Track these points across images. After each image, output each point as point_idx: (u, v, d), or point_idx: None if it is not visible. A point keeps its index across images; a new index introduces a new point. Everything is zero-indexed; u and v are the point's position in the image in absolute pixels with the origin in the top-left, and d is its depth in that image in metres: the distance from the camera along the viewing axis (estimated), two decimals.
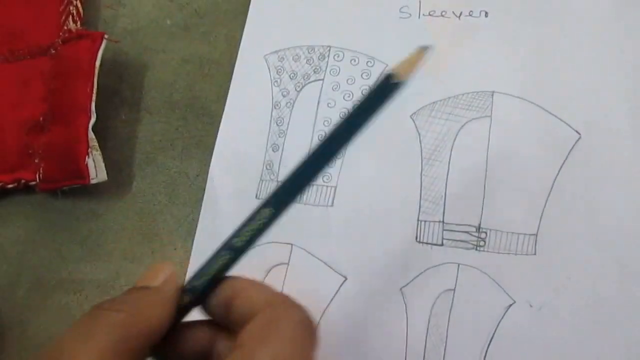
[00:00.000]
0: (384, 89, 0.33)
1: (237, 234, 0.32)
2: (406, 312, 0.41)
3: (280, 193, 0.32)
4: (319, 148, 0.32)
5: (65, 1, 0.53)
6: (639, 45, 0.44)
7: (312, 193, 0.45)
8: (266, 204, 0.32)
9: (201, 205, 0.47)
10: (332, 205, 0.45)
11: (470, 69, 0.46)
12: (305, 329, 0.28)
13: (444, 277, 0.41)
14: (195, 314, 0.31)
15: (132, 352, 0.27)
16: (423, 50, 0.34)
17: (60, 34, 0.52)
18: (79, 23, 0.52)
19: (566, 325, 0.38)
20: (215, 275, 0.31)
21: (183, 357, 0.30)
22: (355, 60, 0.48)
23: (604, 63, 0.44)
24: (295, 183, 0.32)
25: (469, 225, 0.42)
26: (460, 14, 0.47)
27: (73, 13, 0.52)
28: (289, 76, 0.49)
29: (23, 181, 0.49)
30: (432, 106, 0.45)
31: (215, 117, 0.49)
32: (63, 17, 0.52)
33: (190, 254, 0.46)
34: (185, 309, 0.30)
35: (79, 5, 0.53)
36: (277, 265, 0.44)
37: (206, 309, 0.31)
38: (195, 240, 0.46)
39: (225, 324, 0.30)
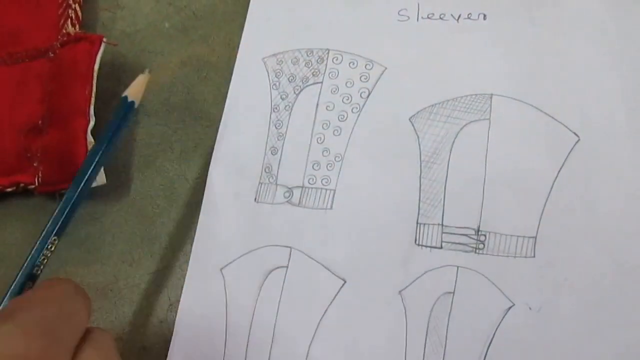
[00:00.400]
0: (122, 109, 0.43)
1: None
2: (405, 315, 0.41)
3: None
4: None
5: (64, 4, 0.53)
6: (636, 47, 0.44)
7: (311, 196, 0.45)
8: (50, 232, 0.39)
9: (200, 209, 0.47)
10: (331, 208, 0.45)
11: (468, 72, 0.46)
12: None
13: (443, 280, 0.41)
14: None
15: None
16: (146, 73, 0.44)
17: (59, 37, 0.51)
18: (77, 26, 0.52)
19: (565, 327, 0.38)
20: None
21: None
22: (354, 63, 0.48)
23: (602, 65, 0.44)
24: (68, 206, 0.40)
25: (468, 228, 0.42)
26: (459, 16, 0.47)
27: (71, 16, 0.52)
28: (288, 79, 0.49)
29: (22, 184, 0.49)
30: (431, 109, 0.45)
31: (214, 120, 0.49)
32: (62, 21, 0.52)
33: (189, 257, 0.46)
34: None
35: (78, 8, 0.53)
36: (276, 268, 0.44)
37: None
38: (194, 244, 0.46)
39: None
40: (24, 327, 0.29)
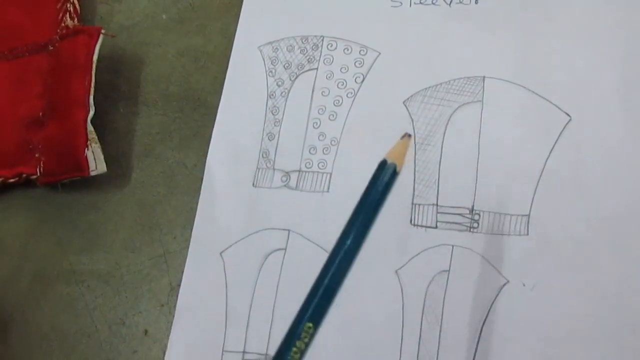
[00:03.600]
0: (386, 180, 0.34)
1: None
2: (402, 294, 0.41)
3: (317, 301, 0.32)
4: (338, 247, 0.33)
5: None
6: (629, 28, 0.44)
7: (308, 180, 0.46)
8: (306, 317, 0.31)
9: (199, 195, 0.47)
10: (327, 191, 0.45)
11: (461, 55, 0.46)
12: None
13: (438, 259, 0.42)
14: None
15: None
16: (407, 136, 0.35)
17: (58, 30, 0.52)
18: (76, 19, 0.53)
19: (559, 304, 0.39)
20: None
21: None
22: (348, 49, 0.49)
23: (594, 46, 0.44)
24: (328, 284, 0.32)
25: (463, 207, 0.42)
26: (451, 1, 0.48)
27: (70, 10, 0.53)
28: (284, 66, 0.49)
29: (24, 175, 0.50)
30: (425, 92, 0.46)
31: (212, 108, 0.49)
32: (60, 14, 0.53)
33: (189, 243, 0.46)
34: None
35: (76, 2, 0.53)
36: (275, 250, 0.44)
37: None
38: (194, 229, 0.47)
39: None
40: None
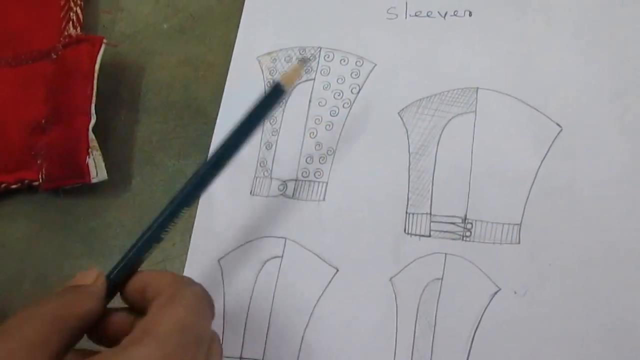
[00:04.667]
0: (273, 94, 0.40)
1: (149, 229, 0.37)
2: (396, 301, 0.42)
3: (191, 188, 0.38)
4: (220, 144, 0.38)
5: (66, 7, 0.54)
6: (620, 41, 0.45)
7: (305, 189, 0.46)
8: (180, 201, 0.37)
9: (198, 203, 0.48)
10: (324, 200, 0.46)
11: (455, 67, 0.47)
12: (203, 301, 0.33)
13: (432, 267, 0.42)
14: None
15: (66, 337, 0.31)
16: (303, 61, 0.43)
17: (61, 39, 0.53)
18: (78, 28, 0.54)
19: (550, 311, 0.39)
20: (129, 269, 0.36)
21: (110, 338, 0.35)
22: (344, 60, 0.49)
23: (585, 58, 0.45)
24: (204, 175, 0.38)
25: (456, 216, 0.43)
26: (446, 14, 0.49)
27: (73, 19, 0.54)
28: None
29: (26, 181, 0.51)
30: (419, 103, 0.46)
31: (211, 117, 0.50)
32: (63, 23, 0.54)
33: (187, 250, 0.47)
34: (106, 299, 0.35)
35: (79, 11, 0.54)
36: (272, 258, 0.45)
37: (124, 298, 0.36)
38: (192, 237, 0.47)
39: (140, 310, 0.34)
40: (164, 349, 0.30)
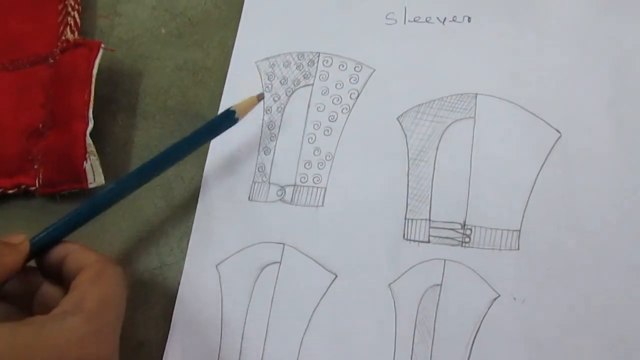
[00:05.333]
0: (224, 119, 0.45)
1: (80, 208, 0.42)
2: (395, 307, 0.42)
3: (124, 182, 0.43)
4: (160, 156, 0.43)
5: (63, 12, 0.54)
6: (619, 48, 0.45)
7: (303, 194, 0.46)
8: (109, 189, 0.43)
9: (196, 208, 0.48)
10: (322, 205, 0.46)
11: (454, 72, 0.47)
12: (123, 281, 0.39)
13: (431, 273, 0.42)
14: None
15: None
16: (258, 97, 0.46)
17: (59, 43, 0.53)
18: (76, 33, 0.53)
19: (549, 318, 0.39)
20: (52, 238, 0.41)
21: (36, 304, 0.41)
22: (343, 66, 0.49)
23: (584, 64, 0.45)
24: (134, 179, 0.43)
25: (455, 222, 0.43)
26: (445, 19, 0.48)
27: (70, 24, 0.54)
28: (280, 82, 0.50)
29: (23, 186, 0.50)
30: (418, 108, 0.46)
31: None
32: (61, 28, 0.54)
33: (185, 255, 0.47)
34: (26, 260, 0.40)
35: (77, 16, 0.54)
36: (270, 264, 0.45)
37: (39, 262, 0.41)
38: (190, 242, 0.47)
39: (55, 276, 0.40)
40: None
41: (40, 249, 0.41)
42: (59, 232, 0.41)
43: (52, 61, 0.52)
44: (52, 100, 0.51)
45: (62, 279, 0.40)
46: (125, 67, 0.54)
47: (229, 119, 0.45)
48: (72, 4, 0.55)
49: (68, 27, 0.53)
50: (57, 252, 0.41)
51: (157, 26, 0.55)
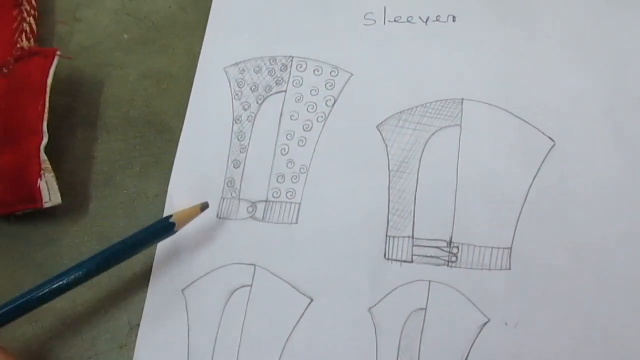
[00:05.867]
0: (160, 228, 0.42)
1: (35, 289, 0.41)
2: (375, 334, 0.40)
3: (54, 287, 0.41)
4: (89, 260, 0.41)
5: (19, 18, 0.52)
6: (614, 49, 0.44)
7: (276, 210, 0.44)
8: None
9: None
10: (296, 222, 0.44)
11: (438, 76, 0.45)
12: None
13: (414, 296, 0.40)
14: None
15: None
16: (202, 207, 0.43)
17: (13, 52, 0.50)
18: (32, 40, 0.51)
19: (544, 344, 0.38)
20: None
21: None
22: (318, 70, 0.47)
23: (578, 67, 0.44)
24: (68, 282, 0.41)
25: (440, 239, 0.41)
26: (427, 19, 0.47)
27: (26, 30, 0.51)
28: (250, 88, 0.48)
29: None
30: (399, 115, 0.45)
31: (175, 133, 0.48)
32: (16, 35, 0.51)
33: (149, 279, 0.44)
34: None
35: (32, 22, 0.52)
36: (240, 287, 0.43)
37: None
38: (154, 264, 0.45)
39: None
40: None
41: None
42: None
43: (5, 71, 0.49)
44: (4, 113, 0.48)
45: None
46: (85, 75, 0.52)
47: (166, 229, 0.42)
48: (28, 9, 0.52)
49: (24, 33, 0.51)
50: None
51: (119, 32, 0.53)
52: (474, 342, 0.38)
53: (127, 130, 0.49)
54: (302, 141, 0.45)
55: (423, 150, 0.43)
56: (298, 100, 0.47)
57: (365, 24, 0.48)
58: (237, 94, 0.48)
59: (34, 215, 0.47)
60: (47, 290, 0.41)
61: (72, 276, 0.41)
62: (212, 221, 0.45)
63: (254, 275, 0.43)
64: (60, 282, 0.40)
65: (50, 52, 0.48)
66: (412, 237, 0.41)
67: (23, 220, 0.48)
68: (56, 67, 0.48)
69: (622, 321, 0.37)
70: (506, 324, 0.38)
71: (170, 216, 0.42)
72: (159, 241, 0.43)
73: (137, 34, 0.52)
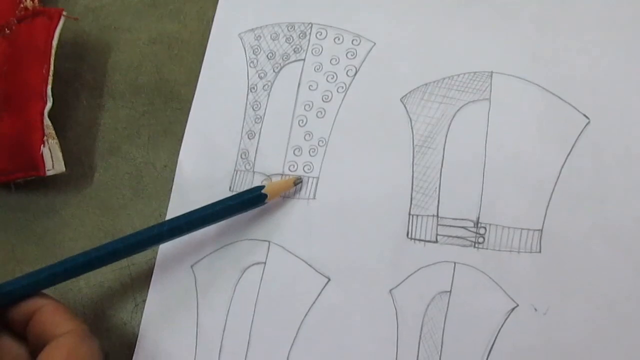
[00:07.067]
0: (251, 198, 0.41)
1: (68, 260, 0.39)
2: (396, 317, 0.39)
3: (120, 245, 0.39)
4: (173, 222, 0.40)
5: None
6: None
7: None
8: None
9: (169, 199, 0.45)
10: (314, 198, 0.43)
11: (466, 47, 0.44)
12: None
13: (438, 278, 0.39)
14: None
15: None
16: (297, 181, 0.42)
17: (16, 12, 0.48)
18: (36, 1, 0.49)
19: (575, 331, 0.37)
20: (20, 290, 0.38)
21: None
22: (339, 39, 0.46)
23: (617, 40, 0.42)
24: (142, 241, 0.39)
25: (466, 219, 0.40)
26: None
27: None
28: (267, 56, 0.46)
29: None
30: (425, 88, 0.43)
31: (185, 102, 0.47)
32: None
33: (156, 254, 0.43)
34: None
35: None
36: (253, 265, 0.42)
37: (7, 318, 0.38)
38: None
39: (23, 335, 0.37)
40: None
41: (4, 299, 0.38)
42: (29, 287, 0.38)
43: (8, 32, 0.48)
44: (6, 76, 0.47)
45: (25, 334, 0.37)
46: (92, 39, 0.50)
47: (257, 199, 0.41)
48: None
49: None
50: (26, 305, 0.38)
51: None
52: (501, 327, 0.38)
53: (135, 97, 0.48)
54: (321, 112, 0.44)
55: (450, 125, 0.42)
56: (317, 69, 0.45)
57: None
58: (252, 62, 0.46)
59: (34, 185, 0.47)
60: (135, 240, 0.39)
61: (155, 231, 0.39)
62: (224, 194, 0.43)
63: (268, 252, 0.42)
64: (147, 235, 0.39)
65: (56, 12, 0.46)
66: (437, 216, 0.40)
67: (24, 189, 0.47)
68: (61, 29, 0.46)
69: None
70: (535, 309, 0.37)
71: (262, 187, 0.41)
72: (246, 211, 0.41)
73: None
